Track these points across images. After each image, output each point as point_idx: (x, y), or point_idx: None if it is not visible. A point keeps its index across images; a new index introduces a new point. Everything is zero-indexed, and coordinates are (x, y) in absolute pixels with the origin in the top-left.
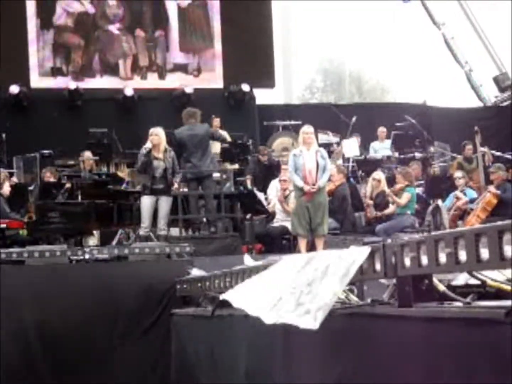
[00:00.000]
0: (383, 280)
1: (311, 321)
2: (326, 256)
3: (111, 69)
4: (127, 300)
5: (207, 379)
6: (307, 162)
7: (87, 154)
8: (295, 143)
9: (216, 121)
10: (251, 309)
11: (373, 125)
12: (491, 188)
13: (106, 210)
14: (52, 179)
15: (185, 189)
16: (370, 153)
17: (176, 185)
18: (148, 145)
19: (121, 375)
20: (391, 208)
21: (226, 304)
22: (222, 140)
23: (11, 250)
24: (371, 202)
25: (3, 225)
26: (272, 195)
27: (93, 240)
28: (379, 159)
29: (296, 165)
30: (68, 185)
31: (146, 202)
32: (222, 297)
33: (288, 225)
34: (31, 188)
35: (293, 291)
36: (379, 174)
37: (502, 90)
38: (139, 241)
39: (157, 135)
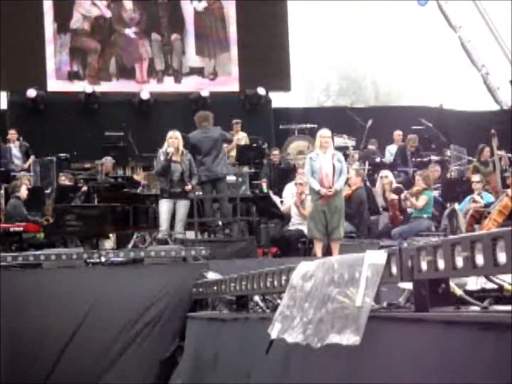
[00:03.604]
0: (400, 284)
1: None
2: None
3: (127, 73)
4: (142, 303)
5: (222, 382)
6: (323, 165)
7: (109, 158)
8: (310, 147)
9: (238, 126)
10: (301, 339)
11: (389, 128)
12: (509, 191)
13: (122, 213)
14: (66, 182)
15: (200, 193)
16: (386, 157)
17: (189, 186)
18: (168, 148)
19: (134, 377)
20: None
21: (241, 306)
22: (230, 141)
23: (28, 253)
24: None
25: (20, 228)
26: (287, 199)
27: (109, 243)
28: (394, 162)
29: (313, 168)
30: (84, 188)
31: (164, 205)
32: (273, 337)
33: (304, 228)
34: (48, 191)
35: (326, 307)
36: (384, 172)
37: None
38: (155, 244)
39: (177, 138)
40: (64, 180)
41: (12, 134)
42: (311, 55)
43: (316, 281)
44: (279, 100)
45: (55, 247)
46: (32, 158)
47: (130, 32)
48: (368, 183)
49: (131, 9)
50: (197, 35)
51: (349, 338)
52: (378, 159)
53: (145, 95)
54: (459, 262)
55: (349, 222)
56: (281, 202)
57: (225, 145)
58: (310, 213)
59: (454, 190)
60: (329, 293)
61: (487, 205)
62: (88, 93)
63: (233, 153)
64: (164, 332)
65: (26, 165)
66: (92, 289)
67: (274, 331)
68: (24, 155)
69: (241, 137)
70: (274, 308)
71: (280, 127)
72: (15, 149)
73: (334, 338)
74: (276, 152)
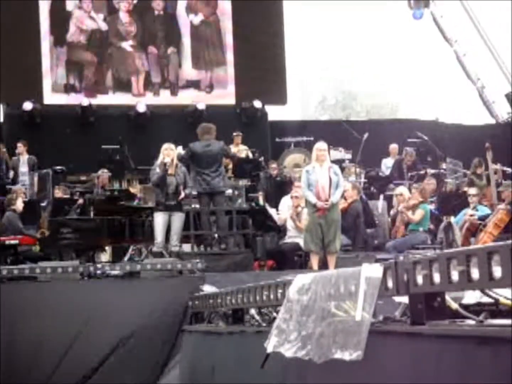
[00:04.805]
0: (396, 298)
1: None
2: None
3: (124, 86)
4: (138, 316)
5: None
6: (320, 178)
7: (105, 170)
8: (307, 160)
9: (238, 139)
10: (301, 354)
11: (385, 141)
12: (502, 206)
13: (118, 226)
14: (61, 195)
15: (197, 205)
16: (382, 170)
17: (182, 194)
18: (166, 159)
19: None
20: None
21: (237, 319)
22: (234, 158)
23: (23, 266)
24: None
25: (16, 241)
26: (283, 211)
27: (105, 256)
28: (391, 175)
29: (309, 181)
30: (80, 201)
31: (160, 218)
32: (269, 351)
33: (300, 241)
34: (43, 204)
35: (326, 320)
36: (399, 189)
37: None
38: (151, 257)
39: (172, 150)
40: (58, 192)
41: (20, 147)
42: (307, 69)
43: (313, 294)
44: (275, 113)
45: (51, 260)
46: (36, 174)
47: (126, 45)
48: (364, 196)
49: (127, 22)
50: (194, 48)
51: (352, 353)
52: (374, 172)
53: (141, 108)
54: (455, 276)
55: (345, 235)
56: (278, 215)
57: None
58: (306, 226)
59: (450, 203)
60: (326, 307)
61: (482, 218)
62: (84, 106)
63: (231, 166)
64: (159, 346)
65: (35, 181)
66: (88, 302)
67: (270, 345)
68: (31, 169)
69: (242, 150)
70: (270, 321)
71: (276, 140)
72: (22, 163)
73: (336, 354)
74: (274, 165)
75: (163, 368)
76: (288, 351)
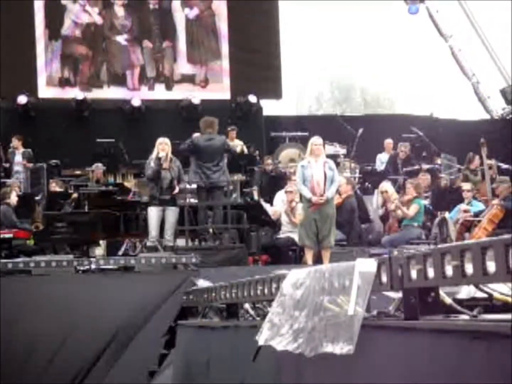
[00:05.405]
0: (389, 293)
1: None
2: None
3: (119, 80)
4: (133, 311)
5: None
6: (315, 173)
7: (99, 164)
8: (302, 154)
9: (233, 133)
10: (292, 347)
11: (380, 136)
12: (496, 201)
13: (113, 220)
14: (57, 189)
15: (192, 200)
16: (377, 165)
17: (177, 189)
18: (160, 153)
19: None
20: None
21: (231, 314)
22: (234, 153)
23: (17, 260)
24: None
25: (10, 235)
26: (278, 206)
27: (99, 250)
28: (385, 170)
29: (304, 176)
30: (75, 195)
31: (154, 212)
32: (260, 343)
33: (295, 236)
34: (38, 198)
35: (317, 314)
36: (384, 186)
37: (509, 102)
38: (145, 252)
39: (167, 144)
40: (55, 186)
41: (15, 141)
42: (303, 63)
43: (307, 289)
44: (270, 108)
45: (45, 254)
46: (31, 168)
47: (121, 39)
48: (358, 191)
49: (122, 16)
50: (189, 43)
51: (343, 348)
52: (368, 168)
53: (136, 102)
54: (449, 271)
55: (340, 230)
56: (272, 208)
57: None
58: (301, 221)
59: (445, 198)
60: (320, 302)
61: (477, 214)
62: (79, 100)
63: (225, 160)
64: (154, 340)
65: (29, 174)
66: (82, 296)
67: (261, 338)
68: (27, 163)
69: (236, 144)
70: (264, 316)
71: (271, 134)
72: (18, 157)
73: (327, 348)
74: (269, 161)
75: (157, 362)
76: (279, 344)
